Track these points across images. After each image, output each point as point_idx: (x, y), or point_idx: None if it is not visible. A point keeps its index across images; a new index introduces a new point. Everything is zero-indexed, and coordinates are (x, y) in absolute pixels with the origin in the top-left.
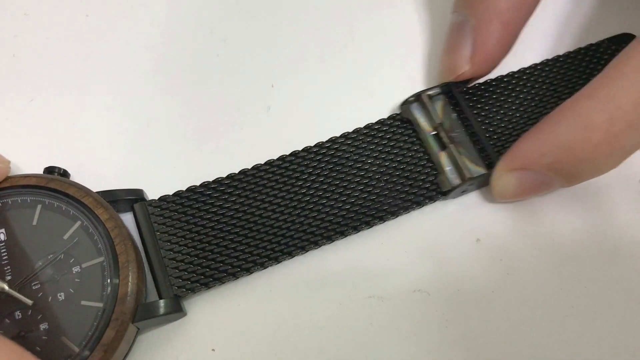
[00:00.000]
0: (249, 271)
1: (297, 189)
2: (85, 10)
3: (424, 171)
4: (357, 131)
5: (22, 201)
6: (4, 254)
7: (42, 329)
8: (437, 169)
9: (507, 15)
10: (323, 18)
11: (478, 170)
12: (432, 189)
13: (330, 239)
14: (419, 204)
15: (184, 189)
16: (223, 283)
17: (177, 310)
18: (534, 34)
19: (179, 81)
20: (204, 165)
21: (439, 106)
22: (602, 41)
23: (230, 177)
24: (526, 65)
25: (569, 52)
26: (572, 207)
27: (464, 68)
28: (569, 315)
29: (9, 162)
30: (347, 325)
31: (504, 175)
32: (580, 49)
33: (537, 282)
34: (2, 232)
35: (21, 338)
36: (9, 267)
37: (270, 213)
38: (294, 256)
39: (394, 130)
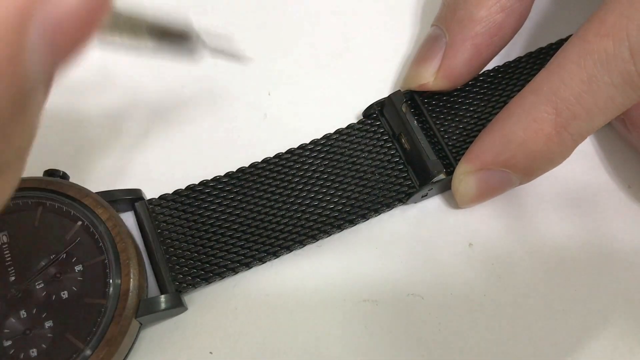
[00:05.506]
0: (248, 266)
1: (293, 185)
2: None
3: (394, 174)
4: (326, 137)
5: (23, 203)
6: (7, 255)
7: (47, 327)
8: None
9: (481, 39)
10: (319, 28)
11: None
12: (395, 194)
13: (327, 233)
14: (388, 206)
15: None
16: (223, 278)
17: (178, 304)
18: None
19: (177, 87)
20: (202, 170)
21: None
22: (551, 44)
23: (228, 175)
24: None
25: (520, 57)
26: (563, 213)
27: (427, 80)
28: (559, 319)
29: None
30: (342, 329)
31: (463, 180)
32: (530, 53)
33: (528, 286)
34: (4, 235)
35: (27, 336)
36: (12, 268)
37: (267, 209)
38: (292, 250)
39: (362, 135)
